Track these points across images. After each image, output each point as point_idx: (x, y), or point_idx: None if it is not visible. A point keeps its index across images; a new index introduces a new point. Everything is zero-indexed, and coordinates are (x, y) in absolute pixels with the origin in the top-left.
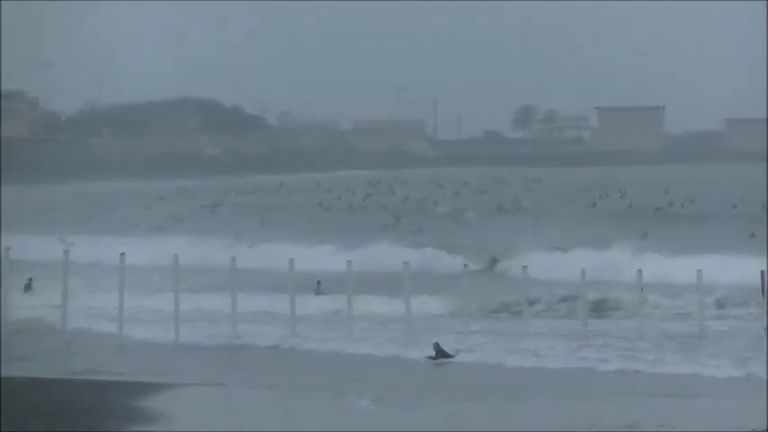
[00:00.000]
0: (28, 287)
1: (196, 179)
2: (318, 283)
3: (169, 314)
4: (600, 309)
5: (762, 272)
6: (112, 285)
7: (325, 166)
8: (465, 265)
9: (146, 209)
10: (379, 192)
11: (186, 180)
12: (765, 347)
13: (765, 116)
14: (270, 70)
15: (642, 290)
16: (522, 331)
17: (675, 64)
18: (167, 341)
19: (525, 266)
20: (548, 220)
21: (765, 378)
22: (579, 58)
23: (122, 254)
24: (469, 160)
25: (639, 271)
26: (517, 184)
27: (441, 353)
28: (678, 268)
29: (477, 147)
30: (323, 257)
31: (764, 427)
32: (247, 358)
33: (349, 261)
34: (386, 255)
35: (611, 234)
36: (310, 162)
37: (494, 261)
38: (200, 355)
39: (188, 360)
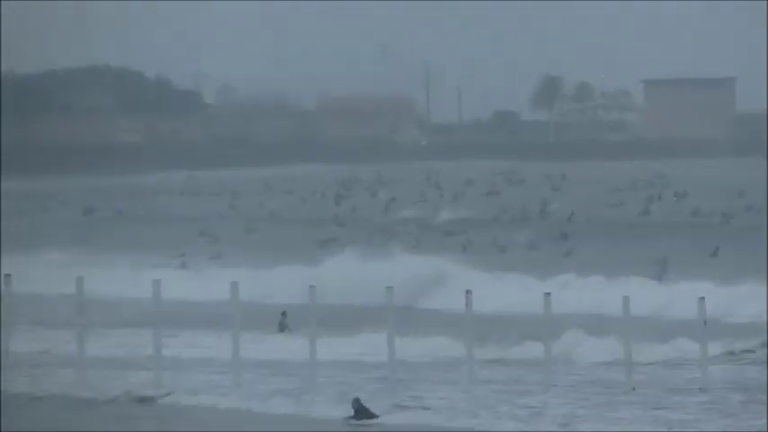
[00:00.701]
0: None
1: (110, 175)
2: (283, 314)
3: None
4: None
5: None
6: None
7: (281, 158)
8: None
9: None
10: (355, 194)
11: (98, 177)
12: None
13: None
14: (207, 31)
15: (705, 323)
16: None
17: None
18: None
19: None
20: (593, 233)
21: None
22: (619, 16)
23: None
24: (474, 151)
25: (702, 299)
26: (538, 182)
27: (362, 411)
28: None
29: (484, 133)
30: (278, 282)
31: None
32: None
33: (312, 286)
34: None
35: (684, 251)
36: (262, 153)
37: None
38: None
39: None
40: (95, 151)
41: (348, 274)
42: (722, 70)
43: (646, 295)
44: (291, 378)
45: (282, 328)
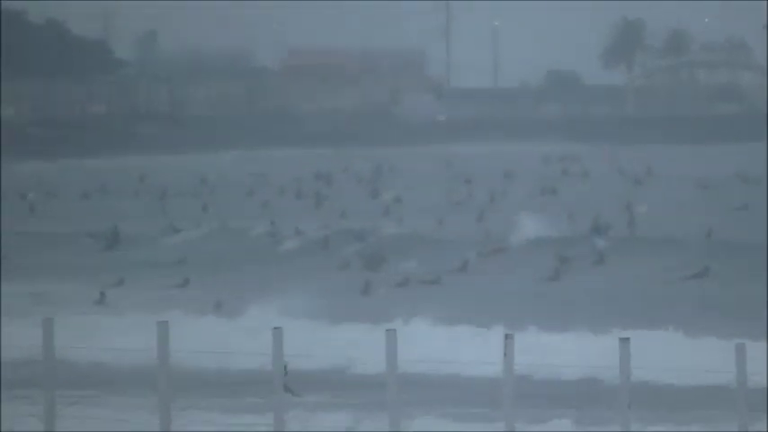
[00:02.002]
0: None
1: None
2: (285, 368)
3: None
4: None
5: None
6: None
7: (228, 140)
8: None
9: None
10: (343, 191)
11: None
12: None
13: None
14: None
15: None
16: None
17: None
18: None
19: None
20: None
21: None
22: None
23: None
24: (516, 129)
25: None
26: (610, 174)
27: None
28: None
29: (530, 103)
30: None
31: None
32: None
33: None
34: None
35: None
36: (203, 132)
37: None
38: None
39: None
40: None
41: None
42: None
43: None
44: None
45: (287, 389)
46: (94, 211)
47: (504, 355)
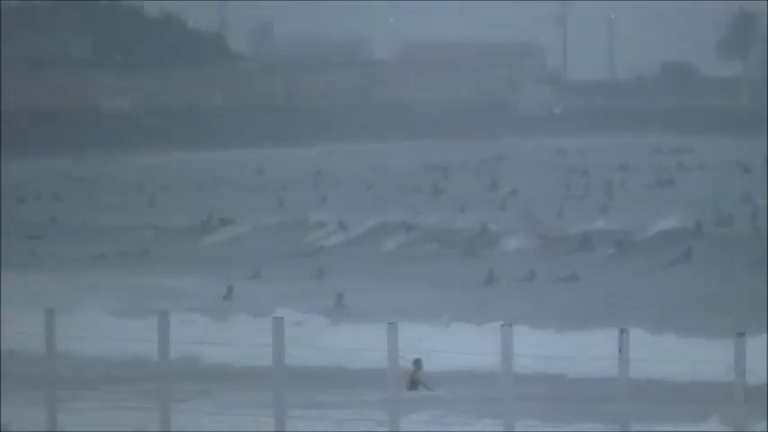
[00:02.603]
0: None
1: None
2: (417, 363)
3: None
4: None
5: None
6: None
7: (340, 131)
8: None
9: None
10: (459, 183)
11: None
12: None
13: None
14: None
15: None
16: None
17: None
18: None
19: None
20: None
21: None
22: None
23: None
24: (631, 121)
25: None
26: (727, 166)
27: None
28: None
29: (645, 95)
30: None
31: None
32: None
33: None
34: None
35: None
36: (319, 124)
37: None
38: None
39: None
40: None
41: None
42: None
43: None
44: None
45: (415, 384)
46: (211, 204)
47: (619, 350)
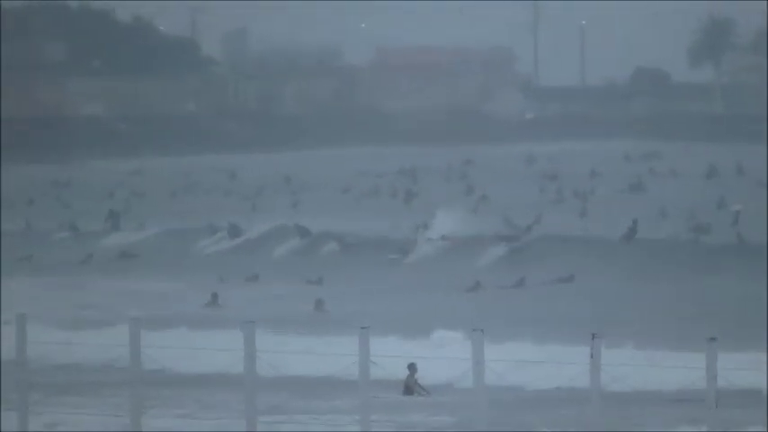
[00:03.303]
0: None
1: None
2: (411, 368)
3: None
4: None
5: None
6: None
7: (317, 137)
8: None
9: None
10: (430, 189)
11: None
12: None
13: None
14: None
15: None
16: None
17: None
18: None
19: None
20: None
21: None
22: None
23: None
24: (603, 126)
25: None
26: (699, 173)
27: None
28: None
29: (618, 100)
30: None
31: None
32: None
33: None
34: None
35: None
36: (292, 130)
37: None
38: None
39: None
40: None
41: None
42: None
43: None
44: None
45: (410, 389)
46: (187, 210)
47: (591, 356)
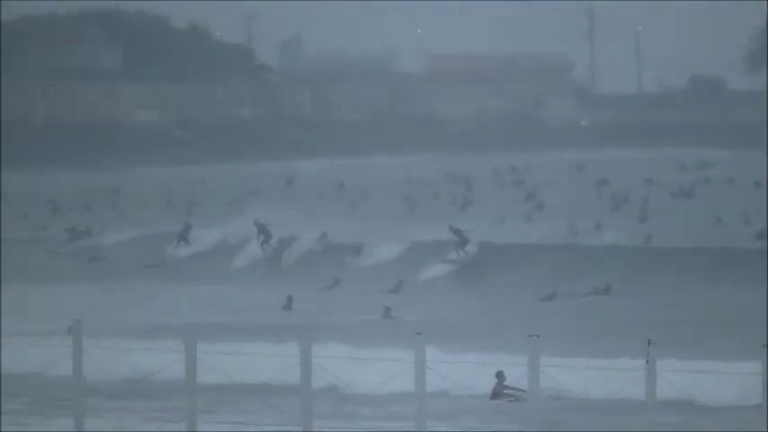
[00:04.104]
0: None
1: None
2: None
3: None
4: None
5: None
6: None
7: (368, 144)
8: None
9: None
10: (486, 195)
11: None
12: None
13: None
14: None
15: None
16: None
17: None
18: None
19: None
20: None
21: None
22: None
23: None
24: (658, 134)
25: None
26: (754, 179)
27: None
28: None
29: (673, 108)
30: None
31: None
32: None
33: None
34: None
35: None
36: (346, 136)
37: None
38: None
39: None
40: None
41: None
42: None
43: None
44: None
45: (497, 396)
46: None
47: (647, 362)
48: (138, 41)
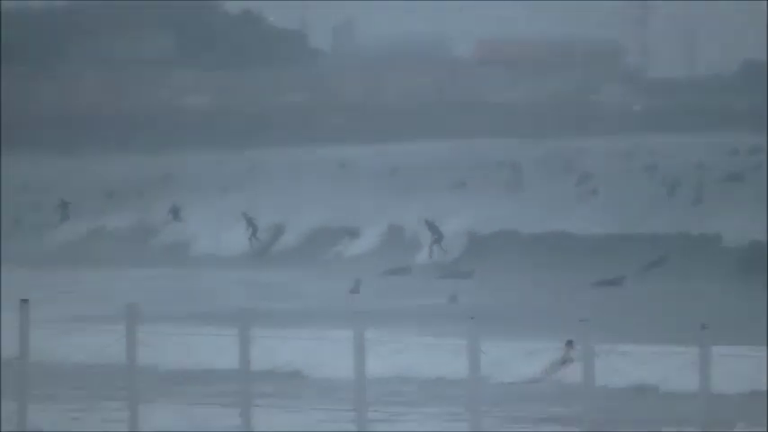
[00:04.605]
0: None
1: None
2: (569, 344)
3: None
4: None
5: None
6: None
7: (417, 130)
8: None
9: None
10: (534, 181)
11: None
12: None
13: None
14: None
15: None
16: None
17: None
18: None
19: None
20: None
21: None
22: None
23: None
24: (709, 119)
25: None
26: None
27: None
28: None
29: (725, 93)
30: None
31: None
32: None
33: None
34: None
35: None
36: (397, 122)
37: None
38: None
39: None
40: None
41: None
42: None
43: None
44: None
45: (566, 362)
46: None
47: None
48: (191, 28)
